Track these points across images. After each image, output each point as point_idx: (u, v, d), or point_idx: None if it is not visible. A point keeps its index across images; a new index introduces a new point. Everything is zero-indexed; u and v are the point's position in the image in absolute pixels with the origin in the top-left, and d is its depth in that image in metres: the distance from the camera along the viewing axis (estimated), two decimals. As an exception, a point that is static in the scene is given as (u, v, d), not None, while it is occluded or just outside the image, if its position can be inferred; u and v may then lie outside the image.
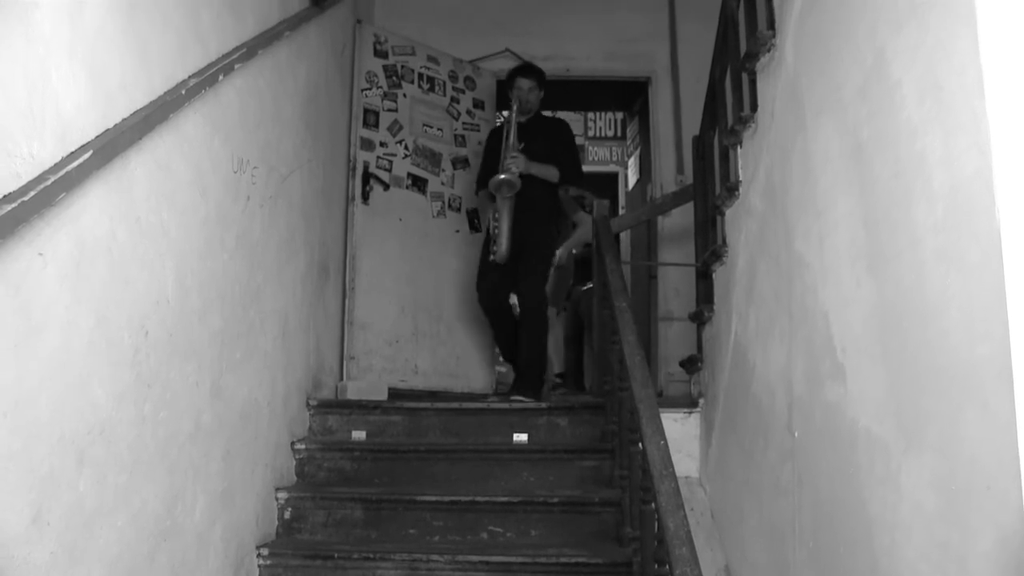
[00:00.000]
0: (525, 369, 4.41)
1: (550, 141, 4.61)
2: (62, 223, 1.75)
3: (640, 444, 2.49)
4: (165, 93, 2.23)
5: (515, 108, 4.55)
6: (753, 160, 3.14)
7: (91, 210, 1.87)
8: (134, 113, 2.06)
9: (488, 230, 4.59)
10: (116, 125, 1.97)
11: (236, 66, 2.71)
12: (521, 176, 4.38)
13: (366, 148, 4.66)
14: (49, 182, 1.65)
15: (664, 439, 2.37)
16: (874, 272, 2.05)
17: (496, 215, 4.45)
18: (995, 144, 1.52)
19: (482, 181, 4.68)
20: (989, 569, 1.53)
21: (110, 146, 1.90)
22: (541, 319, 4.46)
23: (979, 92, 1.56)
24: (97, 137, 1.88)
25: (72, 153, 1.77)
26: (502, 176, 4.36)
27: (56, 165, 1.71)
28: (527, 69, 4.71)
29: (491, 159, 4.62)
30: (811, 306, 2.48)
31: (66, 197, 1.73)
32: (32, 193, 1.60)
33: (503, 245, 4.42)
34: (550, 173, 4.53)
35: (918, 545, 1.82)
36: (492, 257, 4.45)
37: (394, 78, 4.87)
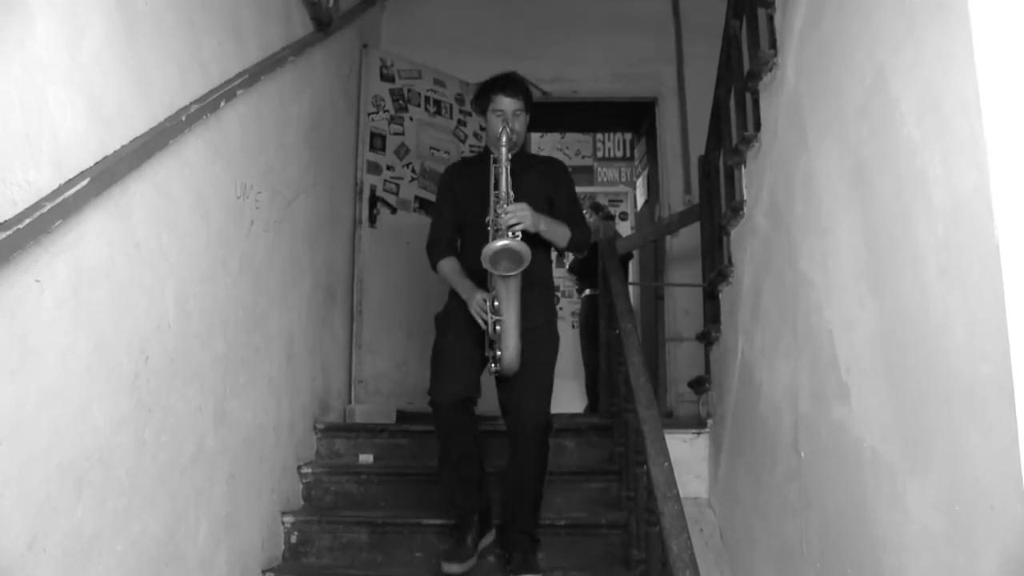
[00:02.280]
0: (532, 518, 3.00)
1: (544, 187, 3.08)
2: (59, 250, 1.76)
3: (645, 466, 2.48)
4: (165, 119, 2.24)
5: (503, 140, 2.92)
6: (757, 179, 3.13)
7: (89, 236, 1.88)
8: (133, 140, 2.06)
9: (486, 324, 2.90)
10: (115, 152, 1.97)
11: (238, 92, 2.72)
12: (524, 235, 2.86)
13: (373, 172, 4.68)
14: (46, 209, 1.66)
15: (668, 460, 2.36)
16: (877, 291, 2.04)
17: (495, 302, 2.87)
18: (992, 161, 1.51)
19: (445, 245, 3.13)
20: (995, 592, 1.51)
21: (108, 173, 1.91)
22: (547, 446, 2.99)
23: (976, 108, 1.55)
24: (95, 164, 1.89)
25: (69, 180, 1.78)
26: (503, 242, 2.77)
27: (53, 192, 1.71)
28: (509, 83, 3.02)
29: (455, 211, 3.12)
30: (816, 325, 2.46)
31: (63, 224, 1.74)
32: (28, 221, 1.60)
33: (512, 349, 2.86)
34: (559, 233, 3.01)
35: (924, 567, 1.79)
36: (496, 369, 2.90)
37: (400, 102, 4.89)
